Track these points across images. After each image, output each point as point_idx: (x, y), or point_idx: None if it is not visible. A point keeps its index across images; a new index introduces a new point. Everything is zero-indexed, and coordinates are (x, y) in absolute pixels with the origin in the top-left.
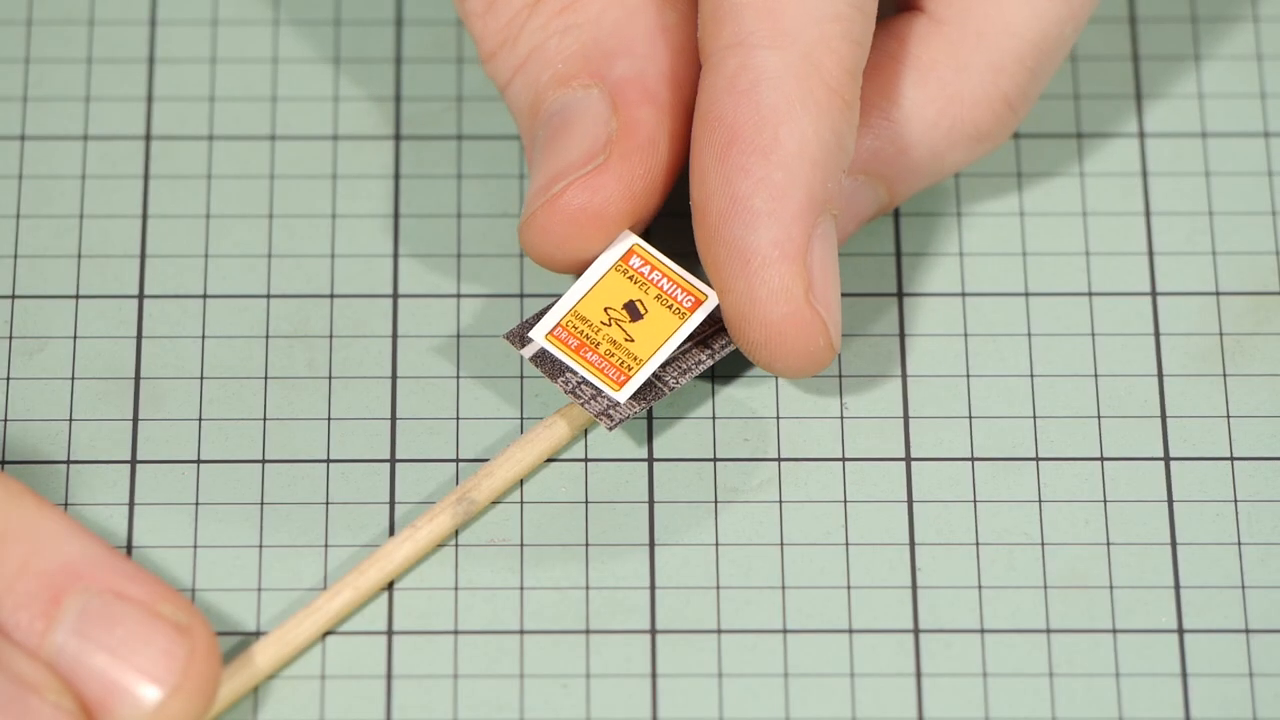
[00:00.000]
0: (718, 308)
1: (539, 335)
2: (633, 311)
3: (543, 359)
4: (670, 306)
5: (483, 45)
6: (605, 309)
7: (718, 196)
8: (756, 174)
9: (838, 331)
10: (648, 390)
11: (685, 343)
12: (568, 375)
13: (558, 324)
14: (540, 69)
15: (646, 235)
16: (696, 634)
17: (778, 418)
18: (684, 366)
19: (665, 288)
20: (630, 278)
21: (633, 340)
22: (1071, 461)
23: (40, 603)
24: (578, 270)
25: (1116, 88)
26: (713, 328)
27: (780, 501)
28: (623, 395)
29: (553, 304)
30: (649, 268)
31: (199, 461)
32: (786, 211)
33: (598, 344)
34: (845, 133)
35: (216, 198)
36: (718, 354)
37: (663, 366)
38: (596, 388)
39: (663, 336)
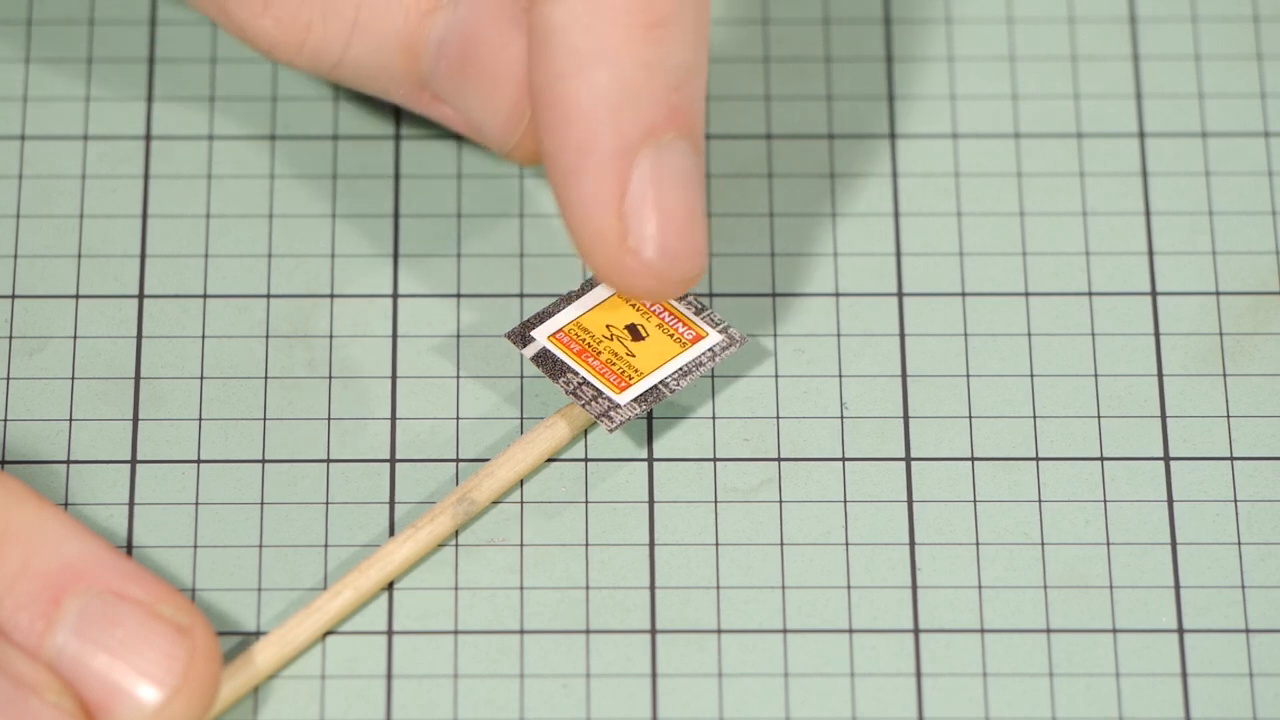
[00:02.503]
0: (721, 339)
1: (542, 335)
2: (634, 333)
3: (544, 359)
4: (671, 335)
5: (282, 37)
6: (607, 325)
7: (544, 155)
8: (560, 133)
9: (678, 259)
10: (648, 393)
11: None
12: (569, 375)
13: (561, 329)
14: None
15: None
16: (696, 634)
17: (778, 418)
18: (685, 369)
19: (666, 319)
20: (633, 305)
21: (634, 356)
22: (1071, 461)
23: (40, 603)
24: None
25: (1116, 88)
26: (714, 328)
27: (780, 501)
28: (624, 398)
29: (554, 306)
30: (650, 300)
31: (199, 461)
32: (592, 165)
33: (599, 352)
34: (661, 57)
35: (216, 198)
36: (718, 355)
37: None
38: (597, 389)
39: (664, 358)
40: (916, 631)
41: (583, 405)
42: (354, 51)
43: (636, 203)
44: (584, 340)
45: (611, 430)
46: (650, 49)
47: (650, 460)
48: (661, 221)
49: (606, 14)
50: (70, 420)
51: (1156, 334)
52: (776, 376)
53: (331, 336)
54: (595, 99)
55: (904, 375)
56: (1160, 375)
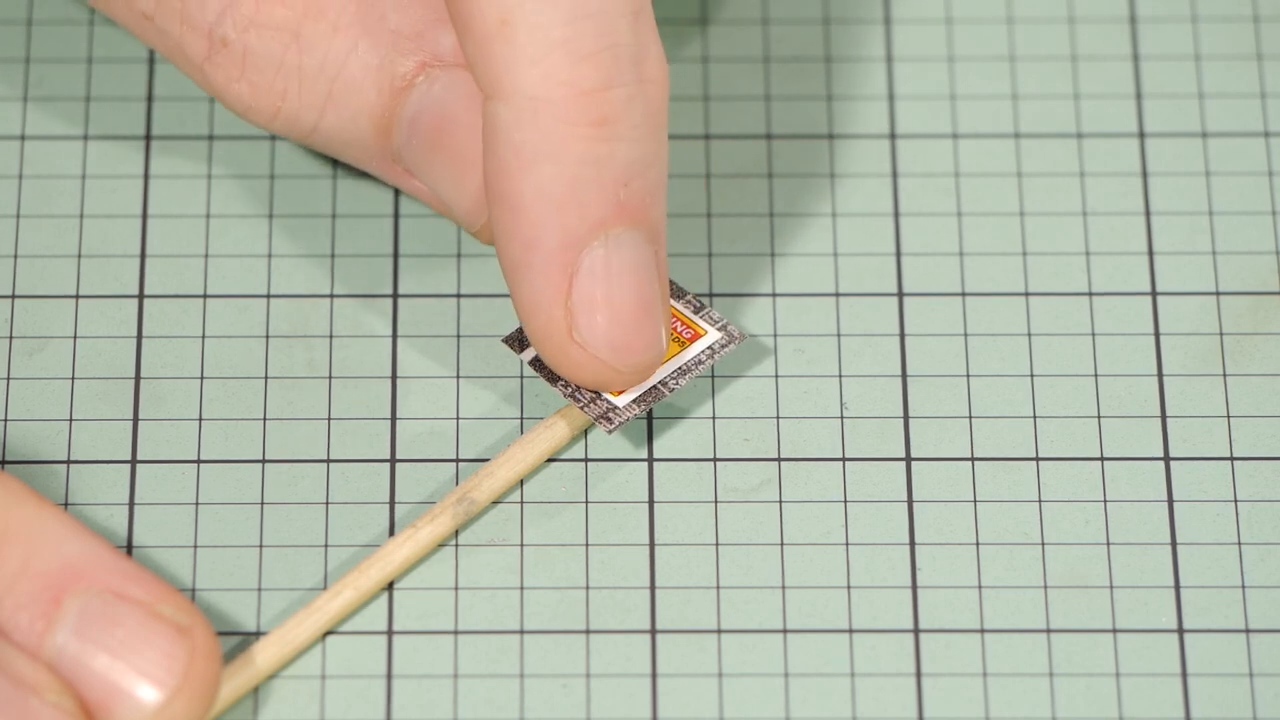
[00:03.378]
0: (720, 336)
1: None
2: None
3: (541, 362)
4: (670, 334)
5: (257, 103)
6: None
7: (497, 248)
8: (507, 226)
9: (626, 351)
10: (647, 394)
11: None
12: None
13: None
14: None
15: None
16: (696, 634)
17: (778, 418)
18: (684, 368)
19: None
20: None
21: None
22: (1071, 461)
23: (41, 603)
24: None
25: (1116, 88)
26: (713, 326)
27: (780, 501)
28: (623, 399)
29: None
30: (603, 390)
31: (199, 461)
32: (537, 261)
33: None
34: (608, 153)
35: (216, 198)
36: (717, 353)
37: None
38: (596, 391)
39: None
40: (916, 631)
41: (581, 408)
42: (328, 122)
43: (584, 296)
44: None
45: (611, 431)
46: (596, 146)
47: (650, 460)
48: (609, 315)
49: (550, 111)
50: (70, 420)
51: (1156, 334)
52: (776, 376)
53: (331, 336)
54: (539, 195)
55: (904, 375)
56: (1160, 375)
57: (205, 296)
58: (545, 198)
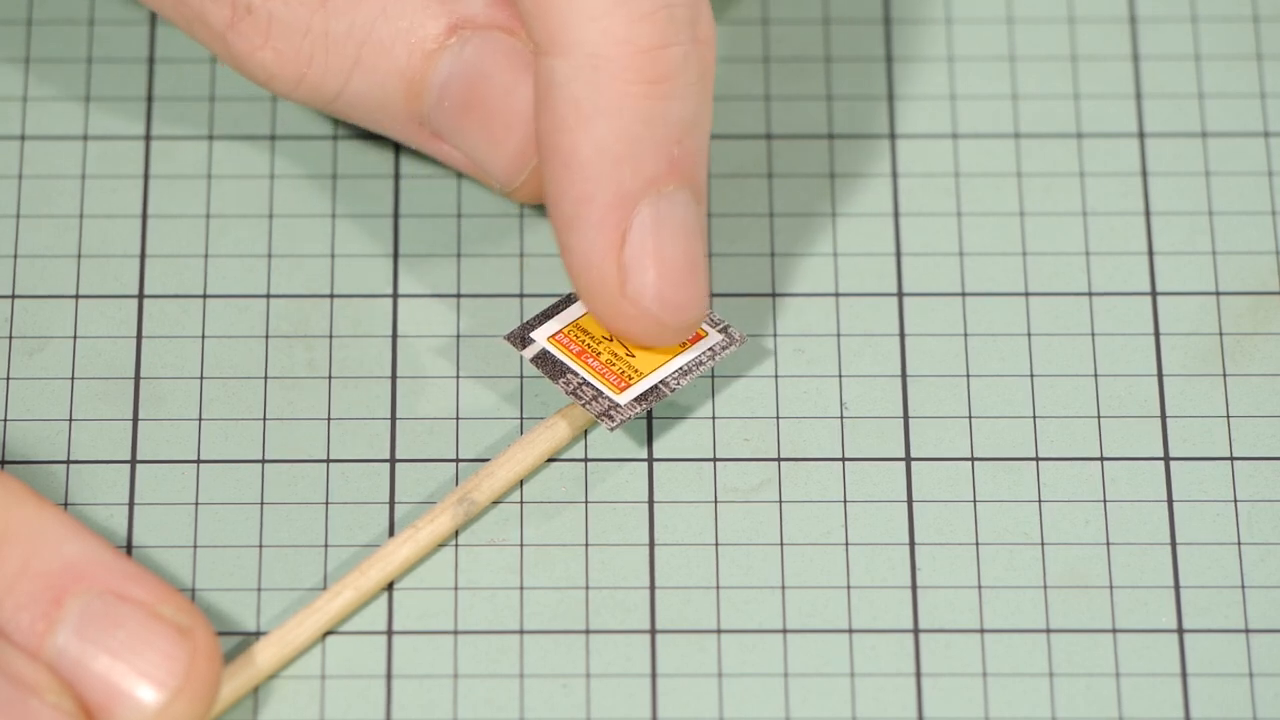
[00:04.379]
0: (721, 338)
1: (541, 337)
2: None
3: (544, 360)
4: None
5: (281, 70)
6: None
7: (546, 201)
8: (561, 182)
9: (676, 307)
10: (649, 393)
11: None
12: (569, 376)
13: (560, 330)
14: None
15: None
16: (696, 634)
17: (778, 418)
18: (685, 369)
19: None
20: None
21: (634, 356)
22: (1071, 461)
23: (41, 604)
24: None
25: (1116, 88)
26: (714, 327)
27: (780, 501)
28: (624, 398)
29: (553, 308)
30: (650, 345)
31: (199, 461)
32: (592, 216)
33: (599, 353)
34: (663, 111)
35: (216, 198)
36: (718, 355)
37: None
38: (597, 389)
39: (663, 358)
40: (916, 631)
41: (583, 405)
42: (354, 87)
43: (636, 252)
44: (583, 341)
45: (612, 429)
46: (652, 104)
47: (650, 460)
48: (660, 271)
49: (609, 69)
50: (70, 420)
51: (1156, 334)
52: (776, 376)
53: (331, 336)
54: (596, 152)
55: (904, 375)
56: (1160, 375)
57: (205, 296)
58: (602, 153)
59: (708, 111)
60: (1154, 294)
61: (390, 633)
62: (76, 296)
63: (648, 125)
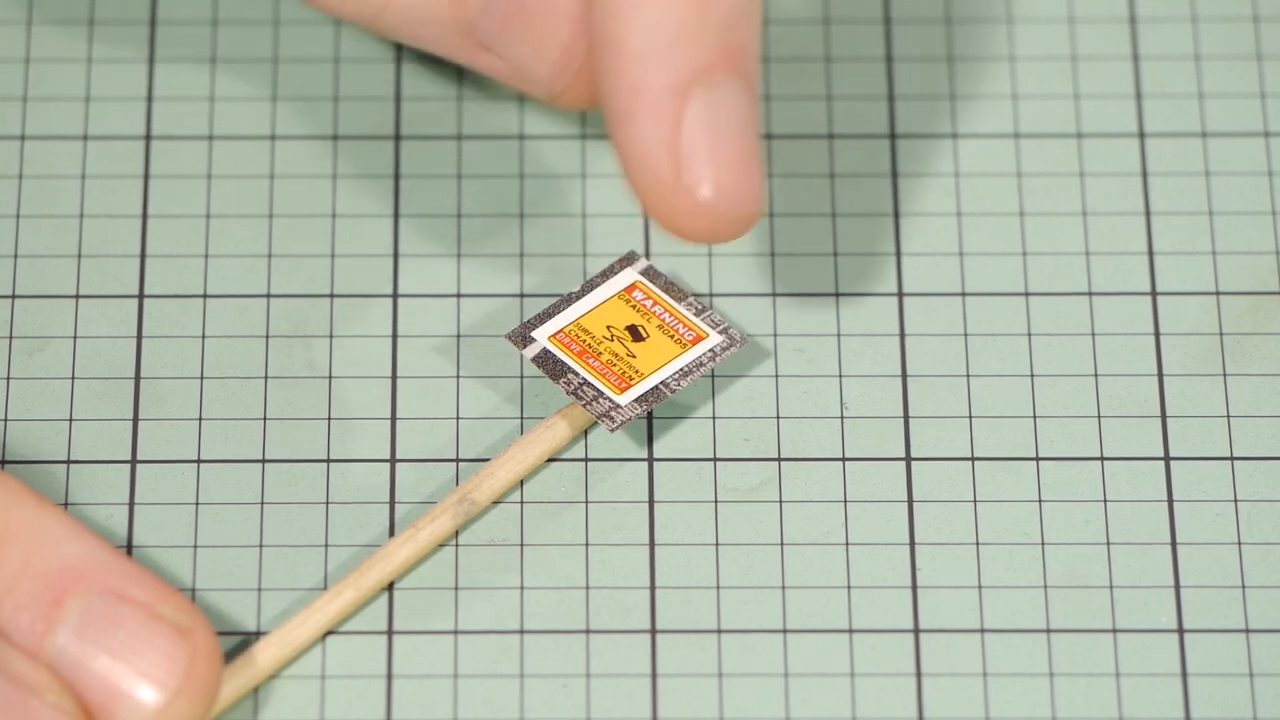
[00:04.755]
0: (722, 339)
1: (542, 336)
2: (635, 334)
3: (545, 359)
4: (671, 336)
5: None
6: (608, 326)
7: (599, 96)
8: (613, 73)
9: (733, 199)
10: (649, 393)
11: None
12: (569, 376)
13: (561, 330)
14: None
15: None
16: (696, 634)
17: (778, 418)
18: (685, 369)
19: (666, 320)
20: (633, 306)
21: (635, 356)
22: (1071, 461)
23: (41, 604)
24: None
25: (1116, 88)
26: (714, 328)
27: (780, 501)
28: (625, 398)
29: (554, 307)
30: (651, 302)
31: (199, 461)
32: (645, 105)
33: (600, 353)
34: None
35: (216, 198)
36: (718, 356)
37: None
38: (598, 389)
39: (664, 359)
40: (916, 631)
41: (584, 405)
42: (399, 0)
43: (690, 142)
44: (584, 341)
45: (613, 430)
46: None
47: (650, 460)
48: (716, 161)
49: None
50: (70, 420)
51: (1156, 334)
52: (776, 376)
53: (331, 336)
54: (647, 38)
55: (904, 375)
56: (1160, 375)
57: (205, 296)
58: (654, 39)
59: (758, 2)
60: (1154, 294)
61: (390, 633)
62: (76, 296)
63: (699, 10)
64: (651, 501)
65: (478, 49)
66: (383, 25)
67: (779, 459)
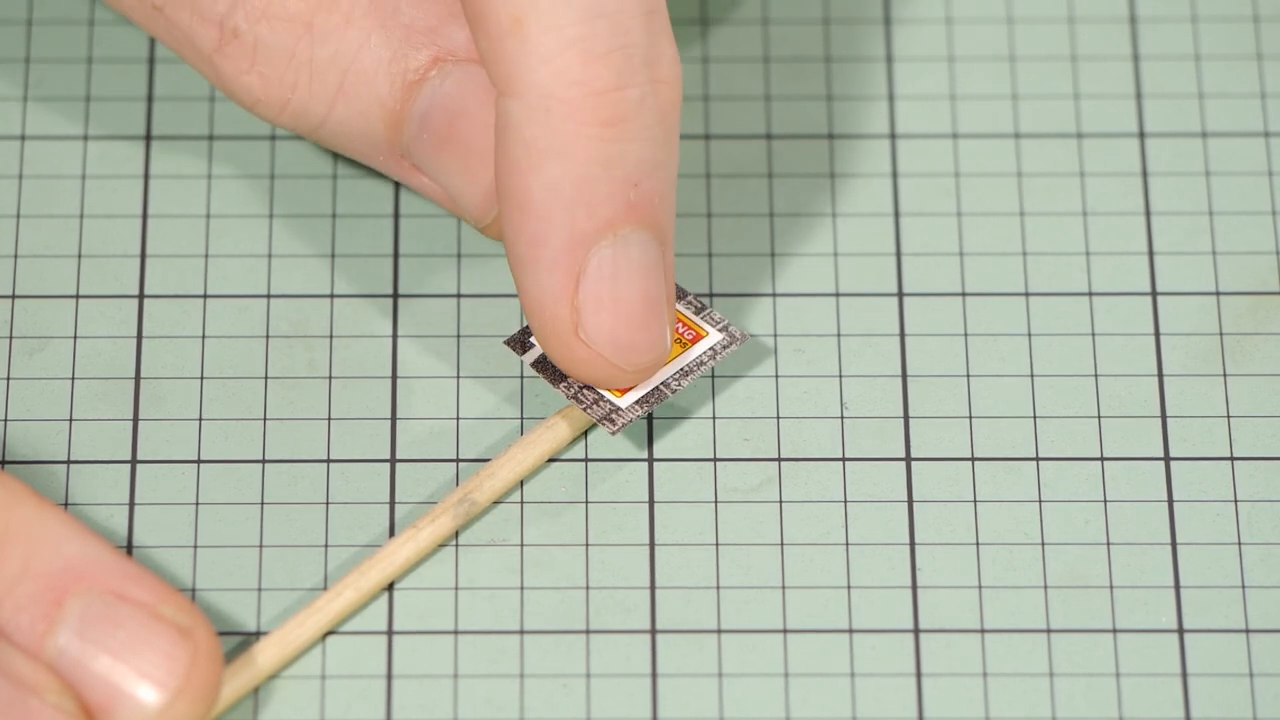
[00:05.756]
0: (722, 338)
1: None
2: None
3: (544, 364)
4: (674, 336)
5: (266, 95)
6: None
7: (506, 244)
8: (515, 223)
9: (631, 350)
10: (650, 395)
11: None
12: (569, 380)
13: None
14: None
15: None
16: (696, 634)
17: (778, 418)
18: (686, 369)
19: None
20: None
21: None
22: (1071, 461)
23: (42, 605)
24: None
25: (1116, 88)
26: (714, 326)
27: (780, 501)
28: (625, 400)
29: None
30: (605, 387)
31: (199, 461)
32: (545, 258)
33: None
34: (619, 153)
35: (216, 198)
36: (719, 354)
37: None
38: (598, 393)
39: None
40: (916, 631)
41: (584, 409)
42: (337, 115)
43: (590, 295)
44: None
45: (614, 433)
46: (606, 146)
47: (650, 460)
48: (615, 314)
49: (561, 110)
50: (70, 420)
51: (1156, 334)
52: (776, 376)
53: (331, 336)
54: (548, 193)
55: (904, 375)
56: (1160, 375)
57: (205, 296)
58: (554, 195)
59: (672, 152)
60: (1154, 294)
61: (390, 633)
62: (76, 296)
63: (602, 167)
64: (651, 501)
65: (412, 170)
66: (320, 137)
67: (779, 459)
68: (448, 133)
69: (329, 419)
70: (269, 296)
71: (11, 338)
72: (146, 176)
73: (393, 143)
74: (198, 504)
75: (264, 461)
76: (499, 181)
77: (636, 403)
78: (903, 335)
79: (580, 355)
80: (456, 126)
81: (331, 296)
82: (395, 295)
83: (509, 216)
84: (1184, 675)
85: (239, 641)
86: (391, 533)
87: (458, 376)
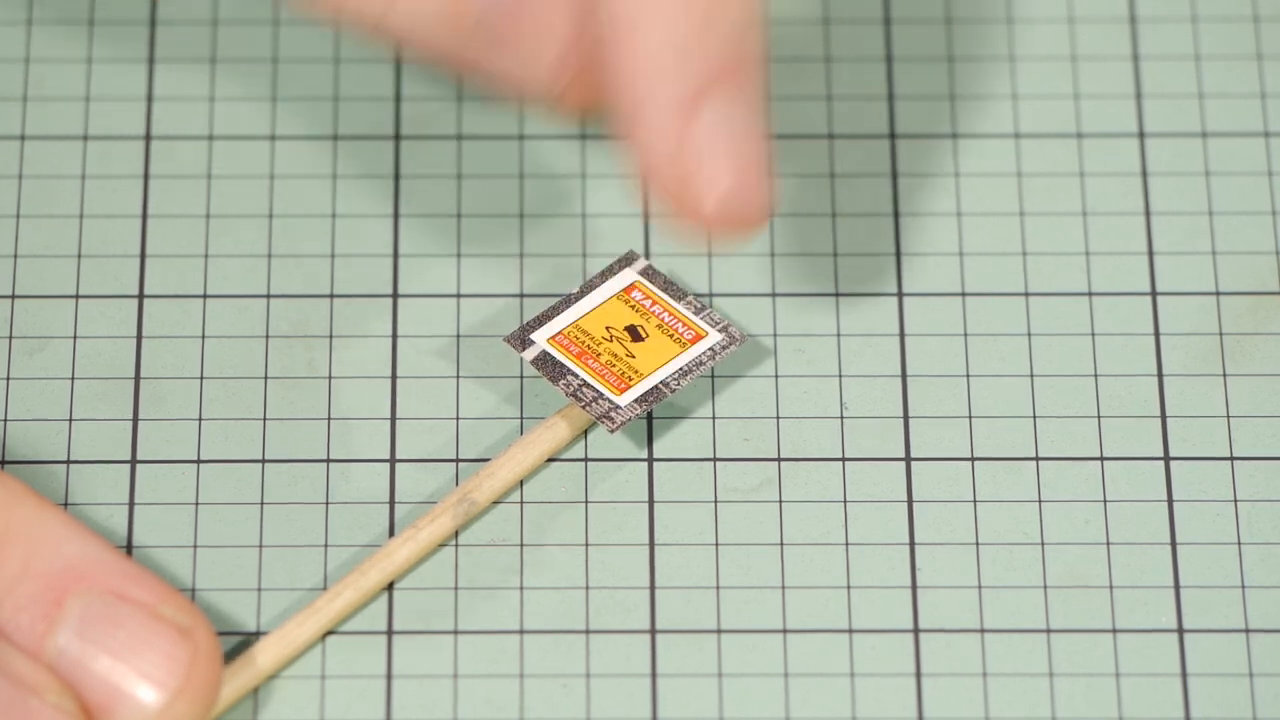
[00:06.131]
0: (721, 338)
1: (541, 338)
2: (634, 334)
3: (544, 362)
4: (671, 336)
5: None
6: (607, 327)
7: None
8: (629, 78)
9: (743, 204)
10: (649, 394)
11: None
12: (569, 378)
13: (560, 332)
14: None
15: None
16: (696, 634)
17: (778, 418)
18: (685, 369)
19: (666, 319)
20: (632, 306)
21: (634, 357)
22: (1071, 461)
23: (42, 605)
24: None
25: (1116, 88)
26: (714, 326)
27: (780, 501)
28: (625, 399)
29: (553, 309)
30: (650, 301)
31: (199, 461)
32: (659, 109)
33: (599, 354)
34: (718, 12)
35: (216, 198)
36: (718, 354)
37: None
38: (598, 391)
39: (664, 359)
40: (916, 631)
41: (583, 407)
42: (399, 7)
43: (703, 148)
44: (584, 342)
45: (613, 431)
46: (706, 3)
47: (650, 460)
48: (727, 168)
49: None
50: (70, 420)
51: (1156, 334)
52: (776, 376)
53: (331, 336)
54: (651, 54)
55: (904, 375)
56: (1160, 375)
57: (205, 296)
58: (656, 54)
59: (757, 14)
60: (1154, 294)
61: (390, 633)
62: (76, 296)
63: (709, 18)
64: (651, 501)
65: (477, 55)
66: (384, 29)
67: (779, 459)
68: (516, 8)
69: (329, 419)
70: (269, 296)
71: (11, 338)
72: (146, 176)
73: (456, 29)
74: (197, 504)
75: (264, 461)
76: (612, 35)
77: (635, 401)
78: (902, 335)
79: (701, 204)
80: (523, 2)
81: (331, 296)
82: (395, 295)
83: (622, 70)
84: (1184, 675)
85: (239, 641)
86: (391, 533)
87: (457, 376)
